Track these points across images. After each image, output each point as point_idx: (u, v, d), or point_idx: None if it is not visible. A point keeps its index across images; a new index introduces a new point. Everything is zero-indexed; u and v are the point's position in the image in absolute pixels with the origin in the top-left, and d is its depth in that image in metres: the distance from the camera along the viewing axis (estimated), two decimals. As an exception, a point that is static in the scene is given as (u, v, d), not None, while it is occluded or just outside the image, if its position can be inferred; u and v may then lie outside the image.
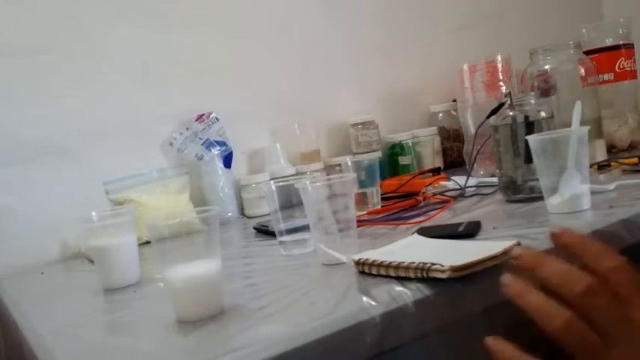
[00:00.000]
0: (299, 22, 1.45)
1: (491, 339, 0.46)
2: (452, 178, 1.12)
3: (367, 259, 0.64)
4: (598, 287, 0.43)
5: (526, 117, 0.91)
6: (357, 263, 0.65)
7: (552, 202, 0.80)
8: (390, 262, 0.61)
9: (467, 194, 1.05)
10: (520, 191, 0.92)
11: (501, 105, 0.95)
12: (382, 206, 1.01)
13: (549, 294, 0.45)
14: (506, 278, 0.47)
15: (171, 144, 1.27)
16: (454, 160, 1.51)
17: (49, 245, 1.12)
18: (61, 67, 1.16)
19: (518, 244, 0.63)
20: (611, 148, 1.26)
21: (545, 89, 1.17)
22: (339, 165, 1.28)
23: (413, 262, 0.59)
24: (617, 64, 1.28)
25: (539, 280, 0.45)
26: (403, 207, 0.99)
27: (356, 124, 1.45)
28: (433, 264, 0.58)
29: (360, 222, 0.89)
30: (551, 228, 0.49)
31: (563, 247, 0.47)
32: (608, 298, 0.43)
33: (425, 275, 0.58)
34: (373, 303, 0.55)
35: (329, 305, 0.56)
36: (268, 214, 0.92)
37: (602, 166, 1.08)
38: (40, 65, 1.13)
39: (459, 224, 0.79)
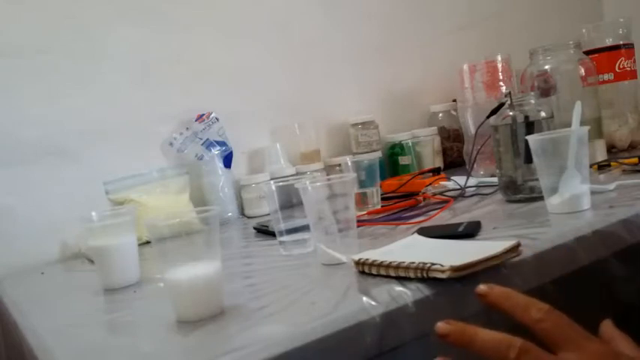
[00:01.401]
0: (299, 22, 1.45)
1: (441, 324, 0.47)
2: (452, 178, 1.12)
3: (367, 259, 0.64)
4: (529, 345, 0.45)
5: (526, 117, 0.91)
6: (357, 263, 0.65)
7: (552, 202, 0.80)
8: (390, 262, 0.61)
9: (467, 194, 1.05)
10: (520, 191, 0.92)
11: (501, 105, 0.95)
12: (382, 206, 1.01)
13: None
14: None
15: (171, 144, 1.27)
16: (454, 160, 1.51)
17: (49, 245, 1.12)
18: (61, 67, 1.16)
19: (518, 244, 0.63)
20: (611, 148, 1.27)
21: (545, 89, 1.17)
22: (339, 165, 1.28)
23: (413, 262, 0.59)
24: (617, 64, 1.28)
25: (475, 353, 0.46)
26: (403, 207, 0.99)
27: (356, 124, 1.45)
28: (433, 264, 0.58)
29: (360, 222, 0.89)
30: (477, 288, 0.50)
31: (491, 305, 0.49)
32: (540, 352, 0.45)
33: (425, 275, 0.58)
34: (373, 303, 0.55)
35: (329, 305, 0.56)
36: (268, 214, 0.92)
37: (602, 166, 1.08)
38: (40, 65, 1.13)
39: (459, 224, 0.79)
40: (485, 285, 0.50)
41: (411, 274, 0.59)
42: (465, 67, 1.24)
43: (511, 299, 0.48)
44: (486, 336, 0.46)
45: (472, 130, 1.22)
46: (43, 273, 1.03)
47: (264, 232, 1.01)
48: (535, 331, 0.46)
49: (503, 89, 1.19)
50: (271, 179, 1.10)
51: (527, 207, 0.88)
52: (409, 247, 0.69)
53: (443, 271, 0.57)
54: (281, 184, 0.82)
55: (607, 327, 0.50)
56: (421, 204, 1.01)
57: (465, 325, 0.47)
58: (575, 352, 0.44)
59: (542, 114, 0.91)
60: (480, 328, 0.47)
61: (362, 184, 1.01)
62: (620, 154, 1.23)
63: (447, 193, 1.06)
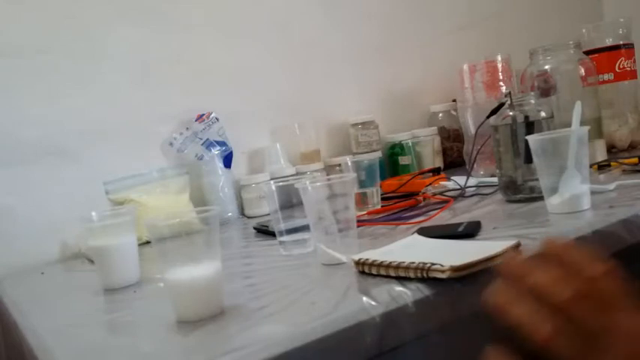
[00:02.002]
0: (299, 22, 1.45)
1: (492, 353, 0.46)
2: (452, 178, 1.12)
3: (367, 259, 0.64)
4: (586, 293, 0.43)
5: (526, 117, 0.91)
6: (357, 263, 0.65)
7: (552, 202, 0.80)
8: (390, 262, 0.61)
9: (467, 194, 1.05)
10: (520, 191, 0.92)
11: (501, 105, 0.95)
12: (382, 206, 1.01)
13: (534, 303, 0.44)
14: (490, 291, 0.46)
15: (171, 144, 1.27)
16: (454, 160, 1.51)
17: (49, 245, 1.12)
18: (61, 67, 1.16)
19: (519, 244, 0.63)
20: (611, 148, 1.27)
21: (545, 89, 1.17)
22: (339, 165, 1.28)
23: (413, 262, 0.59)
24: (617, 64, 1.28)
25: (528, 288, 0.45)
26: (403, 207, 0.99)
27: (356, 124, 1.45)
28: (433, 264, 0.58)
29: (360, 222, 0.89)
30: (544, 238, 0.48)
31: (553, 254, 0.47)
32: (595, 305, 0.43)
33: (425, 275, 0.58)
34: (373, 303, 0.55)
35: (329, 305, 0.56)
36: (268, 214, 0.92)
37: (602, 166, 1.09)
38: (40, 65, 1.13)
39: (459, 224, 0.79)
40: (549, 237, 0.47)
41: (411, 274, 0.59)
42: (465, 67, 1.24)
43: (573, 252, 0.45)
44: (545, 273, 0.44)
45: (472, 130, 1.22)
46: (43, 273, 1.03)
47: (264, 232, 1.01)
48: (596, 286, 0.44)
49: (503, 89, 1.19)
50: (271, 179, 1.10)
51: (527, 207, 0.88)
52: (409, 247, 0.69)
53: (443, 271, 0.57)
54: (281, 184, 0.82)
55: None
56: (421, 204, 1.01)
57: (526, 260, 0.45)
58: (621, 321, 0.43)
59: (542, 114, 0.91)
60: (540, 266, 0.45)
61: (362, 184, 1.01)
62: (620, 154, 1.23)
63: (447, 193, 1.06)
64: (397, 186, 1.16)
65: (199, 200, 1.25)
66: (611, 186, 0.88)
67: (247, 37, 1.37)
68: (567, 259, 0.46)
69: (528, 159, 0.86)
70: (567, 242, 0.47)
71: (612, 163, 1.08)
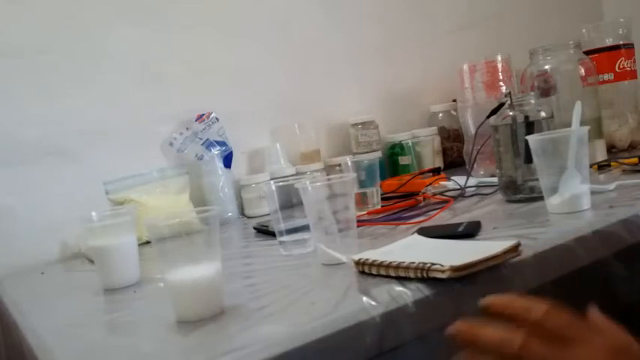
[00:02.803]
0: (299, 22, 1.45)
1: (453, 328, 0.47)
2: (452, 178, 1.12)
3: (367, 259, 0.64)
4: (533, 340, 0.45)
5: (526, 117, 0.91)
6: (357, 263, 0.65)
7: (552, 202, 0.80)
8: (390, 262, 0.61)
9: (467, 194, 1.05)
10: (520, 191, 0.92)
11: (501, 105, 0.95)
12: (382, 206, 1.01)
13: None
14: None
15: (171, 144, 1.27)
16: (454, 160, 1.51)
17: (49, 245, 1.12)
18: (61, 67, 1.16)
19: (518, 244, 0.63)
20: (611, 148, 1.27)
21: (545, 89, 1.17)
22: (339, 165, 1.28)
23: (413, 262, 0.59)
24: (617, 64, 1.28)
25: (482, 348, 0.47)
26: (403, 207, 0.99)
27: (356, 124, 1.45)
28: (433, 264, 0.58)
29: (360, 222, 0.89)
30: (481, 301, 0.49)
31: (496, 315, 0.49)
32: (545, 348, 0.45)
33: (425, 275, 0.58)
34: (373, 303, 0.55)
35: (329, 305, 0.56)
36: (268, 214, 0.92)
37: (602, 166, 1.09)
38: (40, 65, 1.13)
39: (459, 224, 0.79)
40: (487, 297, 0.49)
41: (411, 274, 0.59)
42: (465, 67, 1.24)
43: (512, 305, 0.48)
44: (492, 332, 0.46)
45: (472, 130, 1.22)
46: (43, 273, 1.03)
47: (264, 232, 1.01)
48: (540, 332, 0.46)
49: (503, 89, 1.19)
50: (271, 179, 1.10)
51: (527, 207, 0.88)
52: (409, 247, 0.69)
53: (443, 271, 0.57)
54: (281, 184, 0.82)
55: (594, 315, 0.50)
56: (421, 204, 1.01)
57: (472, 325, 0.47)
58: (582, 348, 0.44)
59: (542, 114, 0.91)
60: (487, 327, 0.47)
61: (362, 184, 1.01)
62: (620, 154, 1.23)
63: (447, 193, 1.06)
64: (397, 186, 1.16)
65: (199, 200, 1.25)
66: (611, 186, 0.88)
67: (247, 37, 1.37)
68: (511, 310, 0.48)
69: (528, 159, 0.86)
70: (506, 296, 0.49)
71: (612, 163, 1.08)
